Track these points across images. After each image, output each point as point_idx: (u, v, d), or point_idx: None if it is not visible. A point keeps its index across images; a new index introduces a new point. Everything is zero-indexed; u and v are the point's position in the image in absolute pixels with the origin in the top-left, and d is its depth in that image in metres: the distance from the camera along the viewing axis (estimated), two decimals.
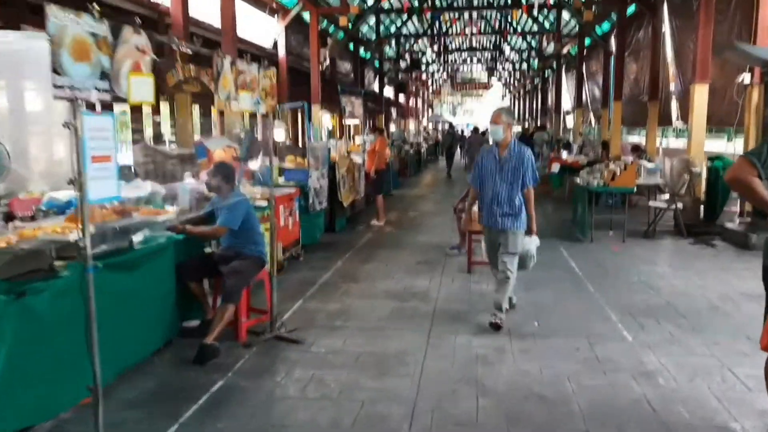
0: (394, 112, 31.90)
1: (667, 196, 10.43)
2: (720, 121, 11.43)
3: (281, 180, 8.76)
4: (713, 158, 9.85)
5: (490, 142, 5.48)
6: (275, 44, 16.80)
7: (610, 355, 4.65)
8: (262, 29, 16.97)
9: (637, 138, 20.78)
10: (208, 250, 5.41)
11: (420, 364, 4.49)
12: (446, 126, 48.93)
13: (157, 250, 4.60)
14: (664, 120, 15.58)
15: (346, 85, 17.43)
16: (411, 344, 4.91)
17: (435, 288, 6.65)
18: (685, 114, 14.35)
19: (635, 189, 9.19)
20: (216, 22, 11.62)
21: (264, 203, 6.78)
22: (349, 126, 16.43)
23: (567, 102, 28.24)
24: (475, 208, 6.03)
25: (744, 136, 10.28)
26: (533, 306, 6.01)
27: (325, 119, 12.53)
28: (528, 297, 6.28)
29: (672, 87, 15.12)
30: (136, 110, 10.92)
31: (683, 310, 5.79)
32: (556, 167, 14.10)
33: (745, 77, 9.99)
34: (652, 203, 9.81)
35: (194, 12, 11.92)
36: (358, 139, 13.66)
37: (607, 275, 7.18)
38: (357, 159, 11.48)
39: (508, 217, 5.30)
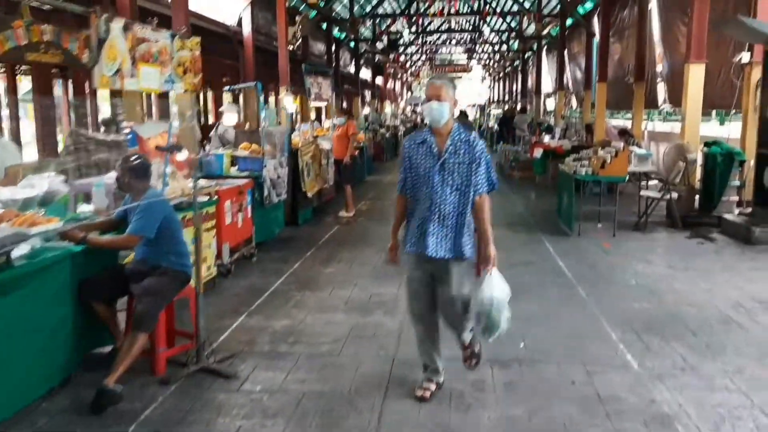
0: (369, 94, 30.73)
1: (658, 184, 9.62)
2: (714, 104, 10.63)
3: (234, 170, 7.76)
4: (709, 144, 9.03)
5: (425, 130, 3.61)
6: (240, 21, 15.64)
7: (614, 391, 3.77)
8: (227, 6, 15.82)
9: (621, 121, 20.04)
10: (127, 260, 4.43)
11: (378, 408, 3.57)
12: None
13: (47, 266, 3.62)
14: (650, 102, 14.79)
15: (315, 64, 16.31)
16: (369, 377, 3.99)
17: (404, 296, 5.73)
18: (673, 96, 13.56)
19: (627, 178, 8.35)
20: None
21: (206, 198, 5.80)
22: (318, 109, 15.44)
23: (548, 84, 27.41)
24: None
25: (742, 119, 9.48)
26: (518, 320, 5.05)
27: (287, 101, 11.48)
28: (512, 308, 5.38)
29: (659, 68, 14.31)
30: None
31: (692, 324, 4.94)
32: (538, 152, 13.23)
33: (744, 56, 9.17)
34: (644, 193, 8.98)
35: None
36: (327, 123, 12.67)
37: (600, 277, 6.32)
38: (325, 144, 10.49)
39: (451, 240, 3.51)
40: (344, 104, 22.58)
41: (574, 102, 23.18)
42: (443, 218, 3.49)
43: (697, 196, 9.12)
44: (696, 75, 9.35)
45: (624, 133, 12.19)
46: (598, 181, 8.88)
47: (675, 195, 8.60)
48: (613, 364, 4.21)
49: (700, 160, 9.10)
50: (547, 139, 16.31)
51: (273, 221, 7.91)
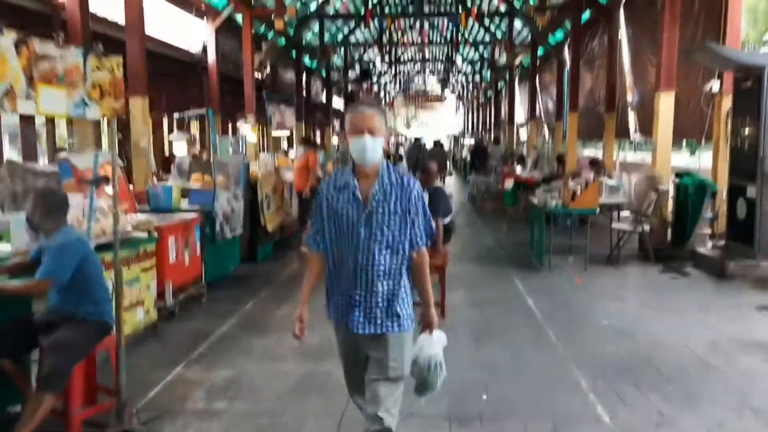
0: (339, 124, 30.38)
1: (630, 216, 9.38)
2: (685, 134, 10.49)
3: (185, 203, 7.32)
4: (681, 174, 8.83)
5: (359, 164, 2.80)
6: (204, 49, 15.32)
7: None
8: (192, 33, 15.50)
9: (593, 151, 20.00)
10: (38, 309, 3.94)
11: None
12: (403, 139, 47.93)
13: None
14: (622, 132, 14.70)
15: (277, 92, 15.99)
16: None
17: None
18: (643, 126, 13.47)
19: (598, 210, 8.08)
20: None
21: (144, 235, 5.35)
22: (281, 138, 15.08)
23: (520, 114, 27.47)
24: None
25: (713, 149, 9.32)
26: (482, 367, 4.72)
27: (245, 129, 11.11)
28: (475, 354, 5.00)
29: (629, 98, 14.25)
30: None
31: (667, 370, 4.59)
32: (510, 183, 12.99)
33: (714, 85, 9.04)
34: (615, 225, 8.72)
35: (97, 8, 10.44)
36: (292, 153, 12.32)
37: (571, 318, 5.96)
38: (288, 176, 10.10)
39: (383, 310, 2.77)
40: (318, 134, 22.24)
41: (546, 132, 23.19)
42: (371, 283, 2.74)
43: (669, 229, 8.87)
44: (666, 104, 9.19)
45: (595, 164, 11.99)
46: (569, 213, 8.62)
47: (647, 227, 8.33)
48: (584, 418, 3.82)
49: (671, 192, 8.88)
50: (518, 169, 16.15)
51: (227, 258, 7.45)
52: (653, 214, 8.61)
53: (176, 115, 7.34)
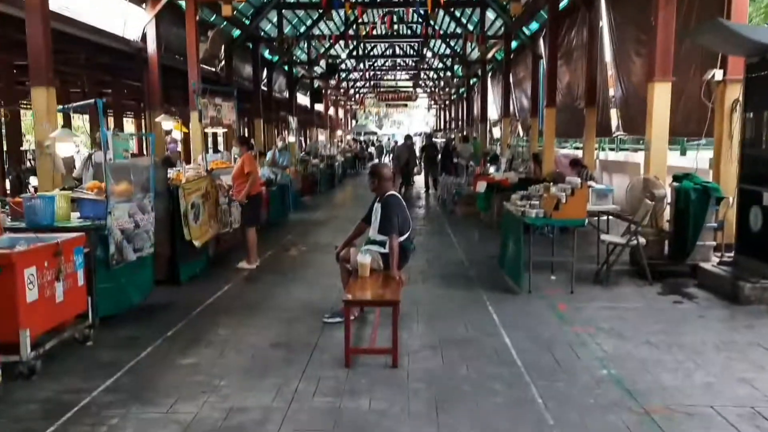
0: (295, 121, 28.61)
1: (618, 225, 8.14)
2: (676, 131, 9.24)
3: (75, 217, 5.83)
4: (680, 177, 7.58)
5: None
6: (144, 37, 13.71)
7: None
8: (131, 19, 13.91)
9: (569, 150, 18.85)
10: None
11: None
12: (375, 139, 46.43)
13: None
14: (603, 130, 13.50)
15: (211, 83, 14.40)
16: None
17: (281, 409, 3.88)
18: (627, 122, 12.27)
19: (586, 221, 6.77)
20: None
21: None
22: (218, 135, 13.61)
23: (493, 112, 26.27)
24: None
25: (714, 148, 8.09)
26: None
27: (165, 126, 9.64)
28: (434, 429, 3.61)
29: (611, 92, 13.06)
30: None
31: None
32: (482, 186, 11.67)
33: (716, 74, 7.80)
34: (605, 237, 7.42)
35: None
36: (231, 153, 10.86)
37: (560, 365, 4.60)
38: (226, 180, 8.64)
39: None
40: (286, 132, 20.45)
41: (520, 130, 22.00)
42: None
43: (665, 241, 7.62)
44: (662, 96, 7.91)
45: (576, 164, 10.76)
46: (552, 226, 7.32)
47: (642, 240, 7.05)
48: None
49: (668, 197, 7.62)
50: (492, 170, 14.88)
51: (131, 285, 5.96)
52: (648, 224, 7.34)
53: (58, 107, 5.83)
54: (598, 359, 4.70)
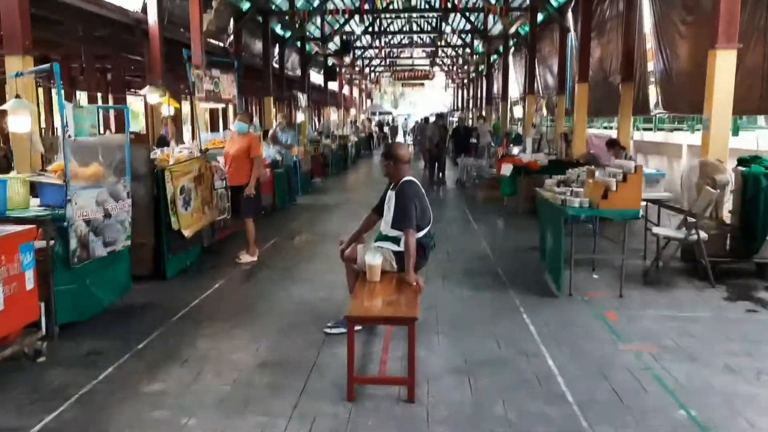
0: (304, 99, 27.24)
1: (672, 217, 7.10)
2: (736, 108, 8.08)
3: (36, 204, 4.92)
4: (746, 160, 6.50)
5: None
6: (144, 7, 12.73)
7: None
8: None
9: (596, 130, 17.73)
10: None
11: None
12: (390, 119, 45.07)
13: None
14: (639, 108, 12.36)
15: (211, 53, 13.38)
16: None
17: None
18: (668, 100, 11.13)
19: (640, 212, 5.72)
20: None
21: None
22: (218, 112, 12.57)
23: (514, 90, 25.07)
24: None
25: None
26: None
27: (151, 98, 8.69)
28: None
29: (650, 66, 11.90)
30: None
31: None
32: (507, 169, 10.61)
33: None
34: (657, 230, 6.37)
35: None
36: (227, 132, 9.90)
37: (621, 400, 3.61)
38: (219, 161, 7.68)
39: None
40: (301, 111, 19.31)
41: (544, 109, 20.81)
42: None
43: (728, 234, 6.55)
44: (725, 65, 6.80)
45: (613, 145, 9.63)
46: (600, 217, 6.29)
47: (704, 235, 6.00)
48: None
49: (732, 184, 6.54)
50: (516, 151, 13.82)
51: (101, 285, 5.04)
52: (708, 216, 6.28)
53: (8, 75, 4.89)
54: (669, 392, 3.71)
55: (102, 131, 17.21)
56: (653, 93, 11.78)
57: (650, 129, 14.97)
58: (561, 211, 5.71)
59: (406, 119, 47.07)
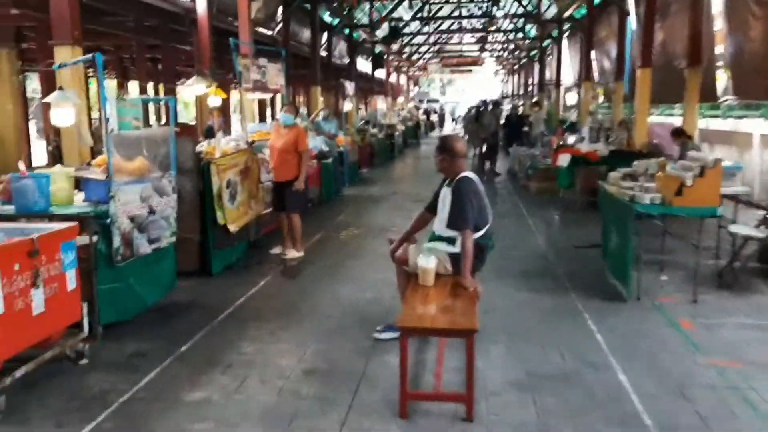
0: (352, 88, 26.85)
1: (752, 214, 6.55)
2: None
3: (80, 199, 4.80)
4: None
5: None
6: None
7: None
8: None
9: (656, 118, 16.91)
10: None
11: None
12: (438, 107, 44.37)
13: None
14: (705, 95, 11.62)
15: (258, 42, 13.16)
16: None
17: None
18: (740, 85, 10.42)
19: (718, 210, 5.25)
20: None
21: None
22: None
23: (568, 76, 24.27)
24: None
25: None
26: None
27: (196, 90, 8.54)
28: None
29: (719, 50, 11.17)
30: None
31: None
32: (565, 159, 10.12)
33: None
34: (736, 229, 5.86)
35: None
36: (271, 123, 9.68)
37: (707, 426, 3.23)
38: (266, 154, 7.47)
39: None
40: (348, 99, 18.94)
41: (600, 96, 20.02)
42: None
43: None
44: None
45: (679, 134, 9.07)
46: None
47: None
48: None
49: None
50: (572, 141, 13.25)
51: (145, 283, 4.90)
52: None
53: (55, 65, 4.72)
54: (763, 418, 3.30)
55: (154, 123, 17.32)
56: (722, 78, 11.06)
57: (716, 116, 14.12)
58: (629, 208, 5.28)
59: (454, 107, 46.33)
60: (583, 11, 20.83)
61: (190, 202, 6.00)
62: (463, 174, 4.20)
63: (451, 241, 4.21)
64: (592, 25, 18.18)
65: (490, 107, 17.80)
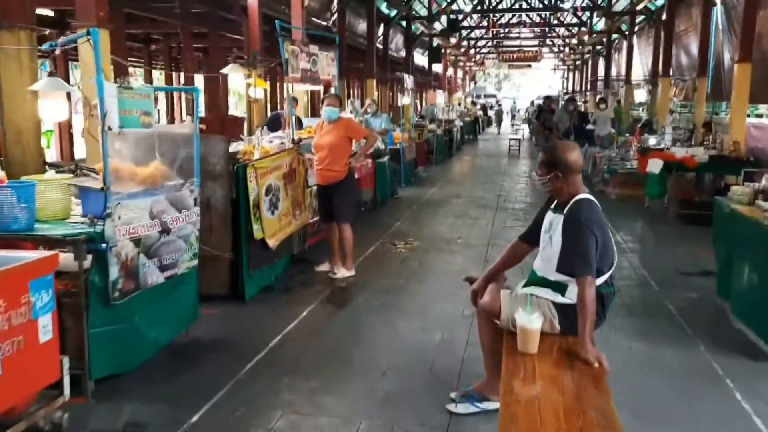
0: (411, 82, 25.24)
1: None
2: None
3: (77, 213, 3.82)
4: None
5: None
6: None
7: None
8: None
9: (751, 119, 15.22)
10: None
11: None
12: (494, 102, 42.59)
13: None
14: None
15: (312, 30, 12.08)
16: None
17: None
18: None
19: None
20: None
21: None
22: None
23: (638, 71, 22.56)
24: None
25: None
26: None
27: (235, 81, 7.56)
28: None
29: None
30: None
31: None
32: (656, 165, 8.73)
33: None
34: None
35: None
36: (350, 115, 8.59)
37: None
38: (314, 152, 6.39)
39: None
40: (407, 93, 17.55)
41: (677, 93, 18.32)
42: None
43: None
44: None
45: None
46: None
47: None
48: None
49: None
50: (653, 141, 11.82)
51: (156, 321, 3.88)
52: None
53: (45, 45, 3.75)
54: None
55: (187, 119, 16.16)
56: None
57: None
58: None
59: (514, 102, 44.64)
60: (659, 2, 19.17)
61: (220, 213, 5.00)
62: (580, 196, 3.01)
63: (560, 288, 3.04)
64: (673, 16, 16.51)
65: (561, 103, 16.34)
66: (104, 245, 3.36)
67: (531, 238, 3.33)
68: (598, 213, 2.97)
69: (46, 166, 5.98)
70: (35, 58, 6.03)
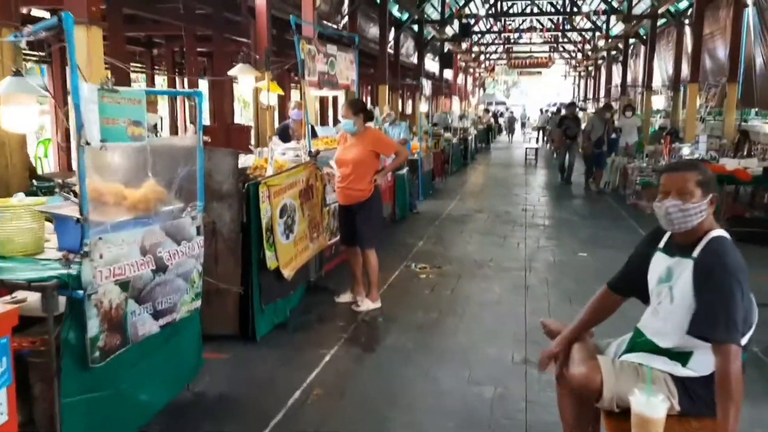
0: (429, 88, 24.60)
1: None
2: None
3: (51, 246, 3.09)
4: None
5: None
6: None
7: None
8: None
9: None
10: None
11: None
12: (504, 109, 41.78)
13: None
14: None
15: (323, 28, 11.31)
16: None
17: None
18: None
19: None
20: None
21: None
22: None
23: (657, 77, 21.85)
24: None
25: None
26: None
27: (244, 83, 6.86)
28: None
29: None
30: None
31: None
32: None
33: None
34: None
35: None
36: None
37: None
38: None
39: None
40: (424, 100, 16.68)
41: (698, 99, 17.57)
42: None
43: None
44: None
45: None
46: None
47: None
48: None
49: None
50: (687, 151, 11.09)
51: (149, 381, 3.14)
52: None
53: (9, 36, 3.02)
54: None
55: (190, 128, 15.35)
56: None
57: None
58: None
59: (524, 109, 43.92)
60: (682, 5, 18.46)
61: (228, 239, 4.27)
62: (715, 233, 2.26)
63: (680, 354, 2.28)
64: (701, 18, 15.75)
65: (594, 110, 15.54)
66: (81, 292, 2.62)
67: (624, 287, 2.58)
68: (739, 259, 2.21)
69: (34, 182, 5.31)
70: (20, 60, 5.33)
